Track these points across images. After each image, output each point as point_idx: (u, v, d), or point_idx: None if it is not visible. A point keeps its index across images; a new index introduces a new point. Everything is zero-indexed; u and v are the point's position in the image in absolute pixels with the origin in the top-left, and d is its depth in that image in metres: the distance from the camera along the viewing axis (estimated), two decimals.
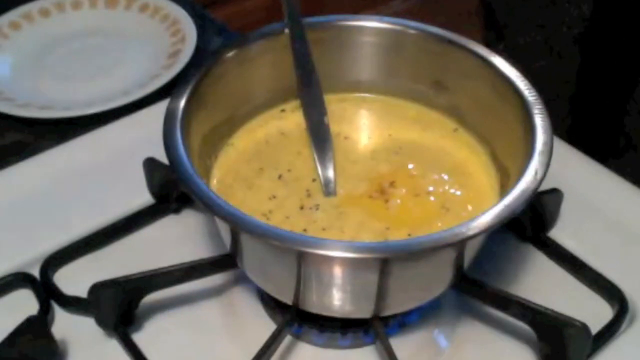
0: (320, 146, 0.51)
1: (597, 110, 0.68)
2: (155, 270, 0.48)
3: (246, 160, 0.52)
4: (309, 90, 0.53)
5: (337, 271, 0.43)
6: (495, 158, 0.51)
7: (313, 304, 0.46)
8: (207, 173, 0.50)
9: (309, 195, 0.49)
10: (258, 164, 0.52)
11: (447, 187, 0.50)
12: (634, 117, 0.66)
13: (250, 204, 0.48)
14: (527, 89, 0.48)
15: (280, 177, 0.51)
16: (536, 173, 0.43)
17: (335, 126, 0.53)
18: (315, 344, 0.49)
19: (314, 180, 0.50)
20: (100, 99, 0.69)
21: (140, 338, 0.48)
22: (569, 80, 0.68)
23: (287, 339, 0.48)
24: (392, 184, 0.50)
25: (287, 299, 0.46)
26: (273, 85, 0.55)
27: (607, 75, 0.67)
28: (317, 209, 0.48)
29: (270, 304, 0.50)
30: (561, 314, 0.45)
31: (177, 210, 0.57)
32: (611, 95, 0.68)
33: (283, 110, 0.56)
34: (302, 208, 0.48)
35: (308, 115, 0.53)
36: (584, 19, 0.66)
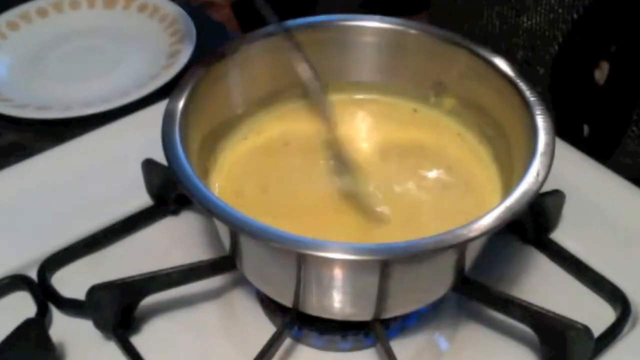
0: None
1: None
2: (154, 272, 0.48)
3: (246, 161, 0.52)
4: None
5: (337, 273, 0.42)
6: (496, 159, 0.51)
7: (313, 307, 0.45)
8: (206, 174, 0.49)
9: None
10: (258, 164, 0.52)
11: (447, 188, 0.50)
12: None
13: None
14: (528, 89, 0.48)
15: (279, 177, 0.50)
16: (538, 174, 0.43)
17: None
18: (315, 347, 0.48)
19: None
20: (99, 99, 0.69)
21: (138, 341, 0.48)
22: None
23: (287, 341, 0.48)
24: (392, 185, 0.50)
25: (287, 301, 0.46)
26: (273, 86, 0.55)
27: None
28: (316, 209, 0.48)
29: (270, 306, 0.50)
30: (563, 317, 0.45)
31: (175, 212, 0.57)
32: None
33: (283, 112, 0.55)
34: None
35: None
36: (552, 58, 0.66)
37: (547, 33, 0.63)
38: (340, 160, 0.51)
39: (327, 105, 0.52)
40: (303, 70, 0.50)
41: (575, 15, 0.60)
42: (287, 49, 0.50)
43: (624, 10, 0.58)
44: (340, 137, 0.51)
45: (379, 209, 0.48)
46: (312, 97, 0.53)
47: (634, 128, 0.60)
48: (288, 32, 0.51)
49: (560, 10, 0.61)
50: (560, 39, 0.62)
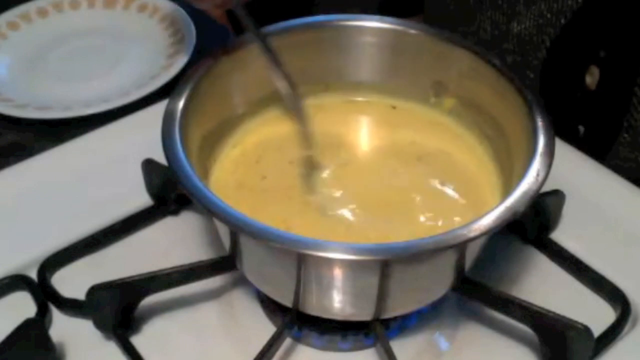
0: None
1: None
2: (154, 272, 0.47)
3: (245, 161, 0.52)
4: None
5: (337, 273, 0.42)
6: (496, 159, 0.51)
7: (313, 307, 0.45)
8: (205, 174, 0.49)
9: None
10: (257, 164, 0.51)
11: (448, 188, 0.50)
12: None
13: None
14: (528, 89, 0.48)
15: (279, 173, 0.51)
16: (538, 174, 0.43)
17: (335, 128, 0.53)
18: (315, 347, 0.48)
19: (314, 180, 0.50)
20: (99, 99, 0.69)
21: (138, 341, 0.48)
22: None
23: (287, 341, 0.48)
24: (392, 185, 0.50)
25: (287, 301, 0.46)
26: (272, 86, 0.55)
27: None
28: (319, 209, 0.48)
29: (270, 306, 0.50)
30: (563, 317, 0.45)
31: (175, 212, 0.57)
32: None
33: (282, 112, 0.55)
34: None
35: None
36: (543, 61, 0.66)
37: (535, 38, 0.63)
38: (309, 165, 0.51)
39: (303, 112, 0.52)
40: (277, 77, 0.51)
41: (562, 21, 0.60)
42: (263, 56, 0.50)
43: (611, 16, 0.58)
44: (315, 144, 0.52)
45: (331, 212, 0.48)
46: (287, 103, 0.52)
47: (625, 135, 0.60)
48: (264, 38, 0.51)
49: (549, 16, 0.61)
50: (548, 44, 0.62)
